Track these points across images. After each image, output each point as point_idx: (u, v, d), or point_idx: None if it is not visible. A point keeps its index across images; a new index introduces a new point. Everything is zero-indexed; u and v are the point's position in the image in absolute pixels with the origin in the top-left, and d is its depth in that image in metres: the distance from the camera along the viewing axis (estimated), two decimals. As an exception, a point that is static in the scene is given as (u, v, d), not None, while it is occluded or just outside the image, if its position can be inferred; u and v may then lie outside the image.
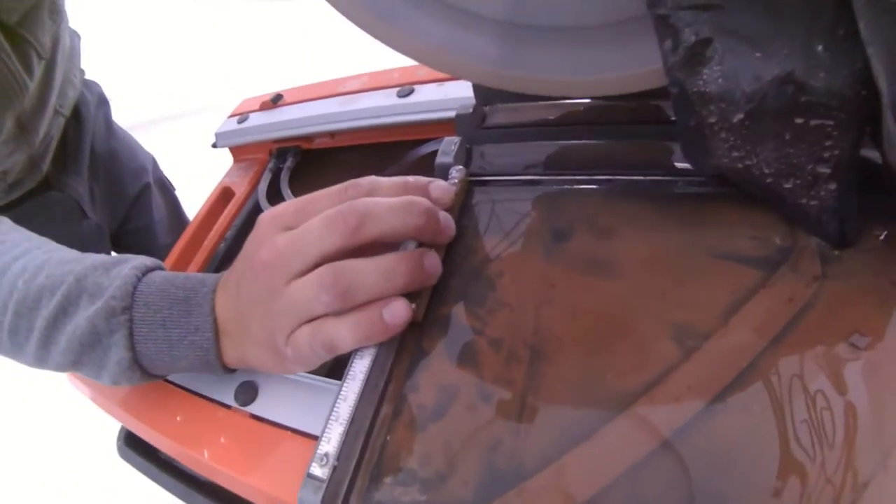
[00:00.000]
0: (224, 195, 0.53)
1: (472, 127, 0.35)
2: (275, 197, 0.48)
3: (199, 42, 2.43)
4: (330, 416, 0.24)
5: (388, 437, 0.24)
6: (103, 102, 0.72)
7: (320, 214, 0.26)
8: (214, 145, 0.55)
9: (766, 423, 0.19)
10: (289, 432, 0.30)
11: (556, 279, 0.26)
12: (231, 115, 0.55)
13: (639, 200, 0.28)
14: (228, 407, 0.33)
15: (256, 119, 0.52)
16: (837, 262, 0.23)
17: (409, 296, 0.26)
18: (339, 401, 0.24)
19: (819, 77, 0.19)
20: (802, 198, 0.23)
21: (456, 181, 0.32)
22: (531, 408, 0.23)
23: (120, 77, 2.21)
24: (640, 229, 0.26)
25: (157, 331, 0.29)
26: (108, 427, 0.39)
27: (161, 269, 0.32)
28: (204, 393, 0.34)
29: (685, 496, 0.19)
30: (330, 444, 0.23)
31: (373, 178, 0.28)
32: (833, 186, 0.22)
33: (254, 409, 0.32)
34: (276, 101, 0.53)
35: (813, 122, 0.20)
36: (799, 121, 0.20)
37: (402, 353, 0.26)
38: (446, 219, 0.29)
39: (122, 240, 0.77)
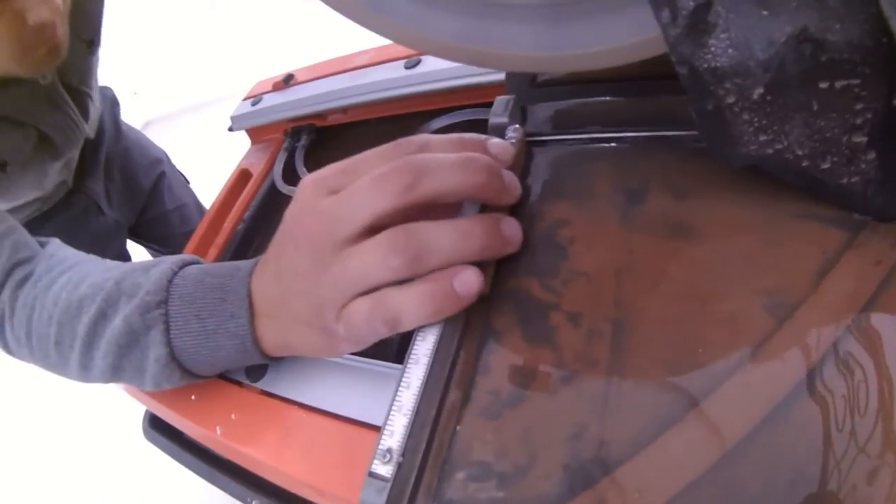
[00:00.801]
0: (242, 177, 0.53)
1: (524, 85, 0.32)
2: (291, 176, 0.48)
3: (208, 30, 2.40)
4: (392, 406, 0.22)
5: (457, 428, 0.22)
6: (114, 105, 0.75)
7: (370, 173, 0.23)
8: (230, 129, 0.55)
9: (866, 394, 0.18)
10: (296, 407, 0.30)
11: (635, 244, 0.24)
12: (245, 98, 0.55)
13: (712, 158, 0.25)
14: (240, 384, 0.33)
15: (270, 100, 0.53)
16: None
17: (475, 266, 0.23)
18: (401, 388, 0.22)
19: (835, 29, 0.17)
20: (843, 177, 0.20)
21: (514, 141, 0.28)
22: (618, 389, 0.20)
23: (139, 71, 2.21)
24: (717, 188, 0.24)
25: (193, 323, 0.28)
26: (135, 411, 0.40)
27: (199, 263, 0.31)
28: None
29: (788, 479, 0.17)
30: (393, 437, 0.21)
31: (425, 135, 0.26)
32: (872, 156, 0.20)
33: (263, 384, 0.33)
34: (287, 81, 0.52)
35: (839, 85, 0.18)
36: (824, 85, 0.18)
37: (470, 331, 0.24)
38: (511, 177, 0.26)
39: (140, 231, 0.82)
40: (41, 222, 0.66)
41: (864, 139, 0.19)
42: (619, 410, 0.20)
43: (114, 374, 0.30)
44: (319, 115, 0.50)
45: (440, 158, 0.23)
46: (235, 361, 0.29)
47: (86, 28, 0.56)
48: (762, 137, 0.20)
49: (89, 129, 0.65)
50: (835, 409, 0.18)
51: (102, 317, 0.30)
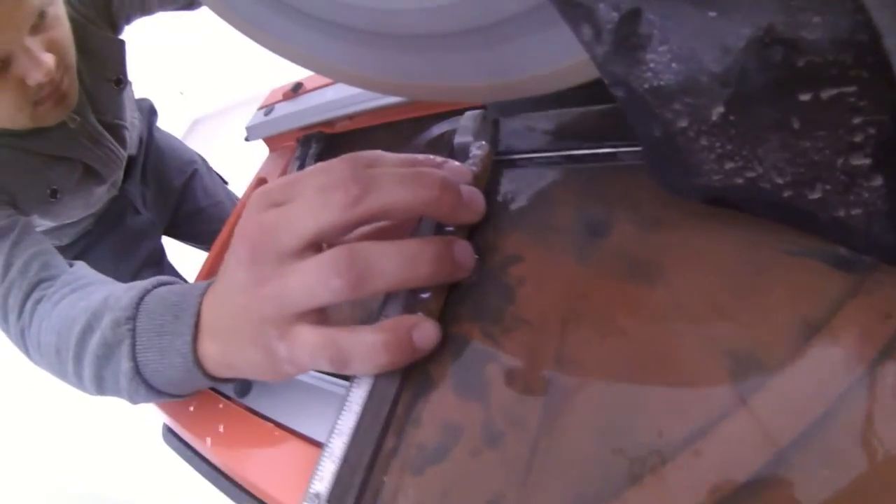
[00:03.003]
0: (260, 185, 0.54)
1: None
2: None
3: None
4: (323, 452, 0.22)
5: (384, 478, 0.21)
6: (151, 113, 0.81)
7: (316, 186, 0.23)
8: (246, 139, 0.56)
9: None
10: (275, 426, 0.32)
11: (589, 287, 0.21)
12: (259, 108, 0.56)
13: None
14: (229, 398, 0.35)
15: (281, 109, 0.53)
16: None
17: (419, 304, 0.23)
18: (333, 434, 0.22)
19: (813, 24, 0.13)
20: (839, 209, 0.16)
21: (475, 163, 0.27)
22: (543, 459, 0.19)
23: (185, 70, 2.30)
24: (694, 216, 0.21)
25: (154, 339, 0.28)
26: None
27: (178, 283, 0.32)
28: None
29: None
30: (322, 482, 0.21)
31: (377, 151, 0.25)
32: (878, 182, 0.15)
33: (248, 401, 0.34)
34: (296, 89, 0.53)
35: (826, 95, 0.14)
36: (805, 97, 0.14)
37: (410, 376, 0.23)
38: (471, 193, 0.24)
39: (177, 228, 0.88)
40: (91, 229, 0.75)
41: (867, 161, 0.15)
42: (541, 483, 0.18)
43: (98, 384, 0.32)
44: (327, 123, 0.50)
45: (390, 172, 0.23)
46: (187, 381, 0.29)
47: (111, 69, 0.62)
48: (728, 165, 0.17)
49: (129, 151, 0.71)
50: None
51: (89, 329, 0.31)
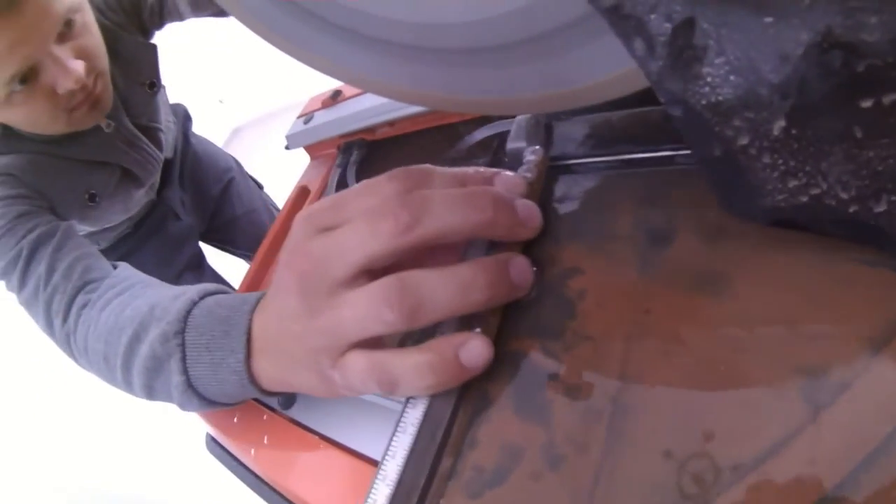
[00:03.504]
0: (302, 194, 0.55)
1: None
2: None
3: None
4: (377, 476, 0.21)
5: (440, 502, 0.20)
6: (186, 119, 0.82)
7: (364, 210, 0.22)
8: (287, 147, 0.57)
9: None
10: (320, 439, 0.32)
11: (653, 301, 0.20)
12: (299, 116, 0.57)
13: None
14: (273, 410, 0.36)
15: (321, 117, 0.53)
16: None
17: (476, 318, 0.22)
18: (387, 457, 0.21)
19: (871, 25, 0.12)
20: None
21: (530, 169, 0.26)
22: (606, 483, 0.18)
23: (223, 79, 2.33)
24: (760, 225, 0.19)
25: (204, 354, 0.29)
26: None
27: (224, 292, 0.32)
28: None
29: None
30: (377, 507, 0.20)
31: (426, 167, 0.24)
32: None
33: (292, 412, 0.35)
34: (335, 97, 0.53)
35: (887, 100, 0.13)
36: (867, 104, 0.14)
37: (466, 395, 0.22)
38: (527, 208, 0.23)
39: (212, 234, 0.90)
40: (130, 234, 0.77)
41: (933, 169, 0.14)
42: (606, 508, 0.17)
43: (149, 392, 0.32)
44: (368, 130, 0.50)
45: (441, 195, 0.22)
46: (242, 394, 0.29)
47: (144, 73, 0.64)
48: (792, 183, 0.16)
49: (165, 154, 0.73)
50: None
51: (136, 339, 0.32)
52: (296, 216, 0.25)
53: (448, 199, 0.22)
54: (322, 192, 0.52)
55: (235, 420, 0.37)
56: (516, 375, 0.22)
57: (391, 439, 0.22)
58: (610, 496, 0.17)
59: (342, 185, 0.49)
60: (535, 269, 0.24)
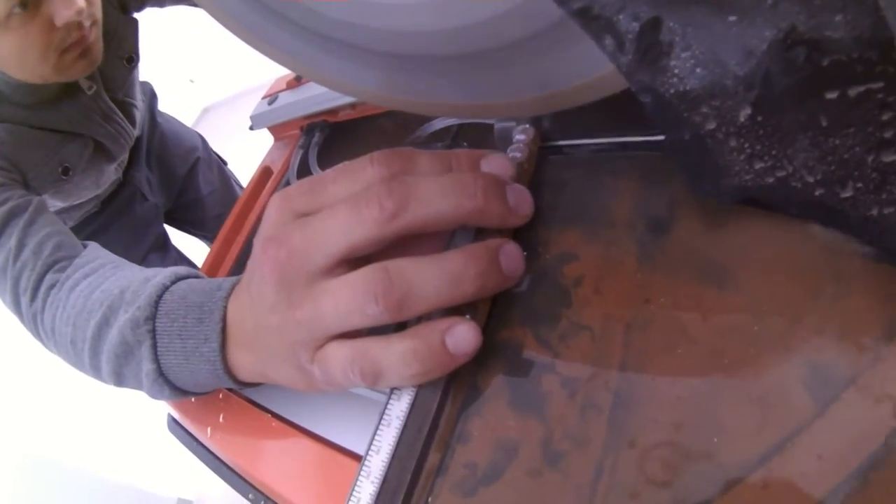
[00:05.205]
0: (264, 175, 0.54)
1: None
2: (306, 174, 0.49)
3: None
4: (360, 472, 0.19)
5: (429, 499, 0.19)
6: (153, 97, 0.82)
7: (346, 196, 0.21)
8: (251, 128, 0.56)
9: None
10: (273, 418, 0.32)
11: (653, 290, 0.20)
12: (264, 97, 0.56)
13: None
14: (230, 389, 0.34)
15: (284, 98, 0.53)
16: None
17: (462, 307, 0.21)
18: (370, 453, 0.20)
19: (835, 23, 0.13)
20: (872, 207, 0.16)
21: (520, 149, 0.24)
22: (608, 480, 0.17)
23: (194, 59, 2.22)
24: (764, 214, 0.19)
25: (176, 341, 0.28)
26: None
27: (196, 276, 0.31)
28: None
29: None
30: (361, 504, 0.19)
31: (409, 149, 0.23)
32: None
33: (248, 392, 0.34)
34: (299, 78, 0.52)
35: (853, 92, 0.14)
36: (832, 95, 0.14)
37: (454, 387, 0.21)
38: (518, 193, 0.22)
39: (176, 214, 0.89)
40: (96, 214, 0.77)
41: (898, 156, 0.15)
42: (610, 504, 0.16)
43: (118, 379, 0.32)
44: (331, 112, 0.49)
45: (427, 181, 0.21)
46: (215, 384, 0.28)
47: (123, 48, 0.65)
48: (758, 165, 0.17)
49: (136, 132, 0.75)
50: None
51: (106, 323, 0.31)
52: (271, 198, 0.24)
53: (435, 184, 0.21)
54: (284, 173, 0.51)
55: (193, 399, 0.36)
56: (509, 366, 0.21)
57: (374, 433, 0.21)
58: (613, 493, 0.17)
59: (304, 166, 0.49)
60: (525, 254, 0.22)
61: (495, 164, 0.23)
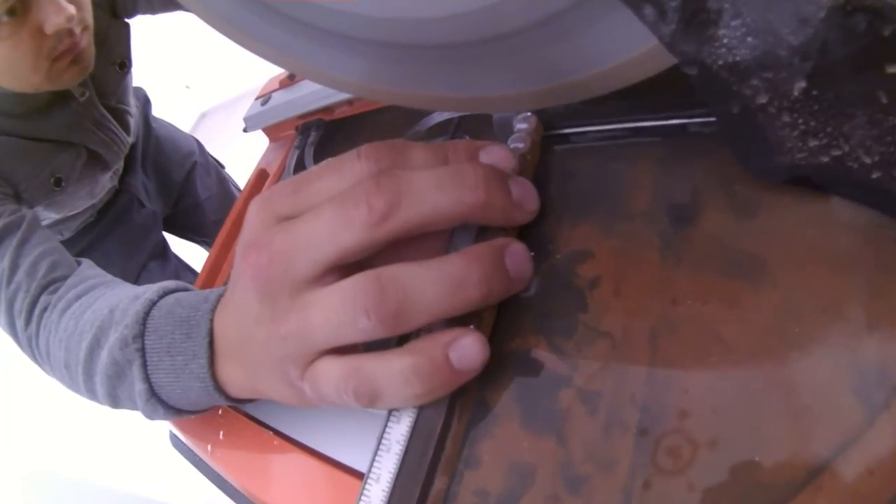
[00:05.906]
0: (260, 178, 0.53)
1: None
2: None
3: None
4: (359, 502, 0.17)
5: None
6: (146, 103, 0.81)
7: (332, 196, 0.19)
8: (245, 130, 0.55)
9: None
10: (278, 437, 0.31)
11: (680, 290, 0.18)
12: (257, 98, 0.55)
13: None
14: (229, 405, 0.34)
15: (278, 98, 0.52)
16: None
17: (466, 317, 0.19)
18: (369, 481, 0.18)
19: None
20: None
21: (522, 139, 0.23)
22: None
23: (190, 64, 2.22)
24: (801, 199, 0.17)
25: (165, 359, 0.26)
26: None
27: (186, 289, 0.30)
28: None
29: None
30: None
31: (399, 141, 0.21)
32: None
33: (248, 408, 0.34)
34: (292, 77, 0.51)
35: None
36: (893, 69, 0.13)
37: (460, 404, 0.19)
38: (523, 187, 0.20)
39: (175, 220, 0.88)
40: (93, 223, 0.75)
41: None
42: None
43: (114, 401, 0.31)
44: (326, 109, 0.48)
45: (421, 175, 0.19)
46: (208, 402, 0.27)
47: (115, 53, 0.63)
48: (813, 143, 0.15)
49: (131, 139, 0.73)
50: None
51: (97, 345, 0.30)
52: (252, 200, 0.21)
53: (430, 178, 0.18)
54: (280, 176, 0.50)
55: (193, 418, 0.35)
56: (520, 380, 0.19)
57: (373, 460, 0.19)
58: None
59: (300, 167, 0.48)
60: (533, 254, 0.20)
61: (495, 155, 0.21)
